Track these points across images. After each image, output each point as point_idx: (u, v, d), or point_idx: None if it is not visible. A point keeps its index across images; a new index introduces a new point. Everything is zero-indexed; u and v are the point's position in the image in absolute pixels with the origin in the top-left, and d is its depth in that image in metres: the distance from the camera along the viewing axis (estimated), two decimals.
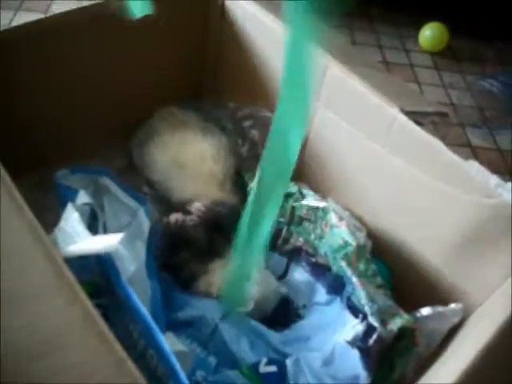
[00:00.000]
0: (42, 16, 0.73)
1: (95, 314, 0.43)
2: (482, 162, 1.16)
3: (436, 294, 0.71)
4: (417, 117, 0.70)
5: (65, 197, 0.63)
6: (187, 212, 0.70)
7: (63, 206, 0.61)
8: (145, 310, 0.52)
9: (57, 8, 1.33)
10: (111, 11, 0.71)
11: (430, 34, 1.47)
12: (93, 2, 0.74)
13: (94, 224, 0.60)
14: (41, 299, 0.43)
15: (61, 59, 0.74)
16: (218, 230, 0.69)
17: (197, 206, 0.69)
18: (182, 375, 0.48)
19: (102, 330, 0.42)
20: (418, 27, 1.50)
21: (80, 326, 0.43)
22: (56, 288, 0.44)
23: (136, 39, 0.80)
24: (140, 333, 0.52)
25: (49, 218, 0.61)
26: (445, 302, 0.66)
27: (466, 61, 1.50)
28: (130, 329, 0.53)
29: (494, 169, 1.15)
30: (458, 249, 0.68)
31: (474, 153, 1.21)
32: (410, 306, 0.65)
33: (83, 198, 0.62)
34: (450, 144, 0.66)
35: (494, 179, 0.63)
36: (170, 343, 0.53)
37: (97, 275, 0.56)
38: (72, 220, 0.56)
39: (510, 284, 0.58)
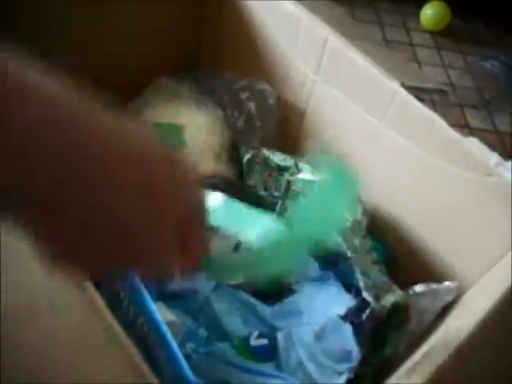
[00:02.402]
0: None
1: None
2: None
3: (431, 271, 0.71)
4: (417, 92, 0.69)
5: None
6: None
7: None
8: (135, 277, 0.51)
9: None
10: None
11: (431, 12, 1.46)
12: None
13: None
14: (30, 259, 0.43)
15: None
16: None
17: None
18: (174, 344, 0.47)
19: (92, 297, 0.41)
20: (419, 5, 1.48)
21: (70, 293, 0.42)
22: None
23: (133, 10, 0.79)
24: (130, 300, 0.51)
25: None
26: (439, 280, 0.66)
27: (466, 41, 1.48)
28: (120, 296, 0.52)
29: (491, 150, 1.15)
30: (454, 226, 0.67)
31: (471, 134, 1.20)
32: (405, 283, 0.65)
33: None
34: (447, 125, 0.65)
35: (494, 157, 0.62)
36: (160, 313, 0.52)
37: None
38: None
39: (510, 261, 0.58)
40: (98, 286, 0.49)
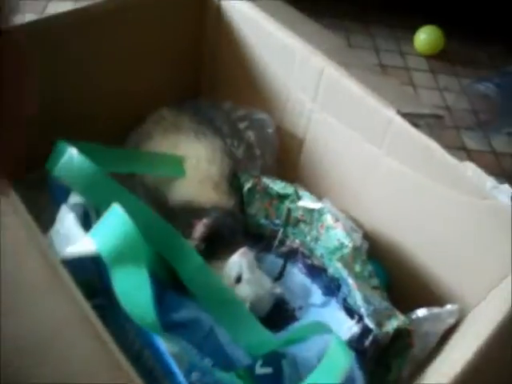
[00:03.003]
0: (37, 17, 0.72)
1: (92, 314, 0.43)
2: (477, 166, 1.16)
3: (432, 294, 0.71)
4: (413, 118, 0.70)
5: (57, 197, 0.63)
6: (187, 225, 0.70)
7: (57, 205, 0.61)
8: None
9: (52, 9, 1.32)
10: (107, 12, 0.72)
11: (425, 37, 1.48)
12: (88, 3, 0.74)
13: (87, 224, 0.59)
14: (37, 300, 0.43)
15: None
16: (214, 234, 0.69)
17: (199, 230, 0.68)
18: (180, 375, 0.48)
19: (99, 331, 0.42)
20: (413, 30, 1.50)
21: (76, 327, 0.42)
22: (52, 288, 0.44)
23: (132, 40, 0.81)
24: (136, 333, 0.52)
25: (47, 217, 0.62)
26: (441, 303, 0.67)
27: (461, 64, 1.50)
28: (126, 328, 0.53)
29: (489, 172, 1.15)
30: (453, 250, 0.68)
31: (469, 156, 1.21)
32: (406, 306, 0.66)
33: (75, 198, 0.61)
34: (445, 147, 0.66)
35: (490, 181, 0.63)
36: (165, 345, 0.52)
37: (93, 275, 0.56)
38: (67, 221, 0.56)
39: (509, 284, 0.58)
40: (103, 318, 0.50)
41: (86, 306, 0.43)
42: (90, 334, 0.41)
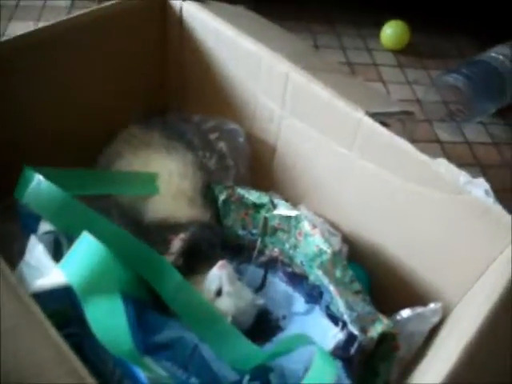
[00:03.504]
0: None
1: (67, 350, 0.42)
2: (451, 156, 1.17)
3: (414, 293, 0.71)
4: (382, 118, 0.70)
5: (27, 225, 0.62)
6: (164, 242, 0.69)
7: (28, 234, 0.60)
8: None
9: (12, 30, 1.30)
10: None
11: (391, 32, 1.48)
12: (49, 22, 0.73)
13: (58, 252, 0.58)
14: (10, 338, 0.42)
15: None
16: (193, 249, 0.68)
17: (177, 246, 0.67)
18: None
19: (75, 367, 0.41)
20: (378, 26, 1.51)
21: (52, 364, 0.41)
22: (25, 326, 0.43)
23: (96, 59, 0.79)
24: (114, 363, 0.51)
25: (19, 247, 0.60)
26: (423, 302, 0.66)
27: (428, 57, 1.51)
28: (104, 358, 0.52)
29: (463, 162, 1.16)
30: (432, 247, 0.68)
31: (442, 148, 1.21)
32: (389, 307, 0.65)
33: (45, 226, 0.60)
34: (418, 141, 0.66)
35: (463, 176, 0.63)
36: (148, 369, 0.51)
37: (67, 304, 0.55)
38: (37, 252, 0.55)
39: (490, 278, 0.58)
40: (80, 348, 0.48)
41: (61, 341, 0.42)
42: (66, 372, 0.40)
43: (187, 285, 0.62)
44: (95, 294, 0.51)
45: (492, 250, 0.61)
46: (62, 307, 0.53)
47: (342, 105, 0.69)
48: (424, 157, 0.64)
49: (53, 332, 0.42)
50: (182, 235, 0.68)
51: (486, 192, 0.62)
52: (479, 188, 0.63)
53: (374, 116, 0.69)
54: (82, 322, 0.51)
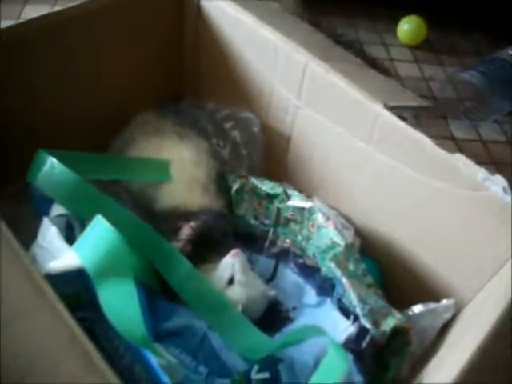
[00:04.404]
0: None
1: (79, 332, 0.41)
2: (465, 155, 1.16)
3: (426, 289, 0.70)
4: (400, 111, 0.69)
5: (40, 208, 0.61)
6: (174, 230, 0.68)
7: (40, 217, 0.60)
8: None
9: (28, 14, 1.30)
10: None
11: (408, 27, 1.47)
12: (65, 6, 0.72)
13: (71, 235, 0.58)
14: (22, 319, 0.42)
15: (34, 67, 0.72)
16: (204, 237, 0.68)
17: (186, 232, 0.67)
18: None
19: (87, 350, 0.40)
20: (395, 21, 1.49)
21: (63, 346, 0.41)
22: (37, 307, 0.42)
23: (112, 42, 0.79)
24: (126, 347, 0.50)
25: (30, 230, 0.60)
26: (436, 297, 0.66)
27: (444, 53, 1.49)
28: (115, 342, 0.51)
29: (478, 160, 1.14)
30: (447, 243, 0.67)
31: (457, 145, 1.20)
32: (401, 302, 0.65)
33: (58, 209, 0.60)
34: (432, 137, 0.65)
35: (481, 172, 0.61)
36: (158, 355, 0.51)
37: (80, 288, 0.55)
38: (50, 235, 0.54)
39: (506, 276, 0.58)
40: (92, 332, 0.48)
41: (73, 323, 0.41)
42: (77, 354, 0.40)
43: (196, 273, 0.61)
44: (109, 278, 0.50)
45: (508, 247, 0.60)
46: (75, 290, 0.53)
47: (361, 97, 0.69)
48: (442, 152, 0.64)
49: (65, 314, 0.42)
50: (191, 223, 0.67)
51: (504, 189, 0.61)
52: (497, 185, 0.62)
53: (392, 109, 0.68)
54: (94, 305, 0.51)
